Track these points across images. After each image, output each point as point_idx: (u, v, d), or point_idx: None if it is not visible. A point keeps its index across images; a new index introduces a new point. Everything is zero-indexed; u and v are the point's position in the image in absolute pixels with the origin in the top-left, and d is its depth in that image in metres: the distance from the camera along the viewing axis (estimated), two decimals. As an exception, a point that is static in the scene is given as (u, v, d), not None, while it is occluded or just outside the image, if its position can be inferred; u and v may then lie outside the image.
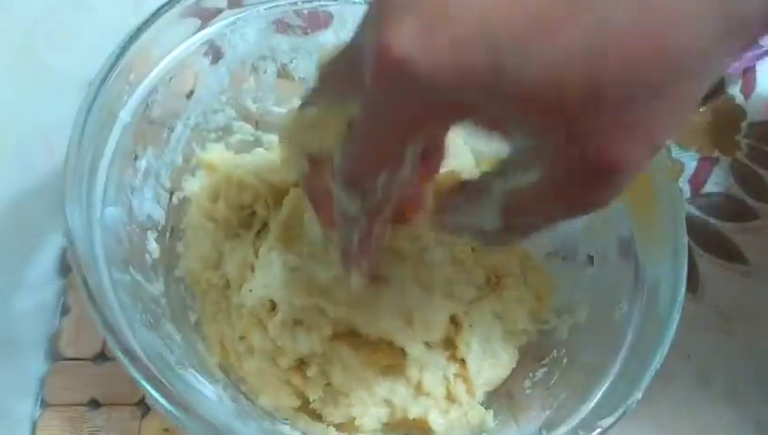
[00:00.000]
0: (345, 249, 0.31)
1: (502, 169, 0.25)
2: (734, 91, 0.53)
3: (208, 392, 0.33)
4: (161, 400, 0.27)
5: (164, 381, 0.28)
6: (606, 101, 0.21)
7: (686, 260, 0.33)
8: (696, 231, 0.47)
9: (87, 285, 0.28)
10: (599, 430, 0.31)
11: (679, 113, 0.22)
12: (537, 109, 0.21)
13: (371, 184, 0.26)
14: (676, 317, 0.32)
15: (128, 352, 0.27)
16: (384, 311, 0.35)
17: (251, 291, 0.37)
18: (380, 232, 0.30)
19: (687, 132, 0.51)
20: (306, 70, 0.42)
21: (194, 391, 0.32)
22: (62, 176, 0.30)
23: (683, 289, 0.33)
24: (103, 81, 0.33)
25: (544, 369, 0.38)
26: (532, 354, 0.39)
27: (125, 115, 0.35)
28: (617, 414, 0.30)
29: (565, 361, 0.37)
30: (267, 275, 0.36)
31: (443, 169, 0.32)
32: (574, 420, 0.32)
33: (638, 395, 0.31)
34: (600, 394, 0.33)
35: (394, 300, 0.36)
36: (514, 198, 0.25)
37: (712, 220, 0.48)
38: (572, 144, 0.22)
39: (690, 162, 0.50)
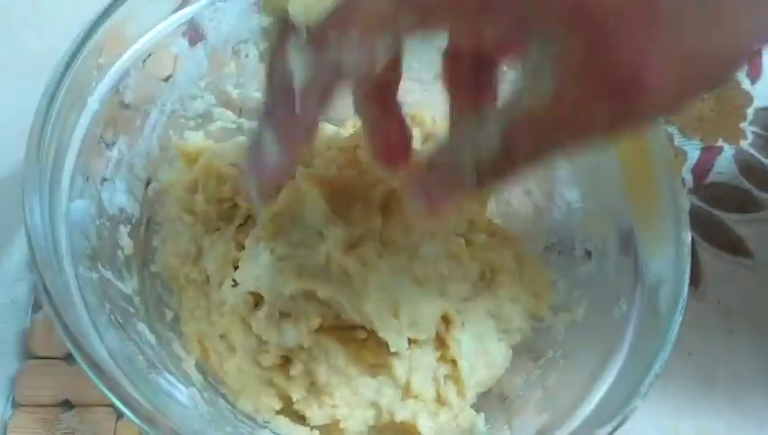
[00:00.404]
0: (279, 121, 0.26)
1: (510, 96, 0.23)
2: (740, 75, 0.51)
3: (181, 396, 0.31)
4: (126, 410, 0.25)
5: (131, 388, 0.26)
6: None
7: (689, 259, 0.32)
8: (699, 223, 0.46)
9: (45, 286, 0.26)
10: (595, 438, 0.29)
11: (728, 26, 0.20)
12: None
13: (340, 42, 0.23)
14: (679, 319, 0.30)
15: (91, 360, 0.25)
16: (369, 297, 0.33)
17: (236, 284, 0.35)
18: (311, 122, 0.26)
19: (690, 120, 0.49)
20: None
21: (165, 397, 0.30)
22: (22, 168, 0.28)
23: (685, 290, 0.31)
24: (69, 63, 0.31)
25: (540, 370, 0.36)
26: (527, 354, 0.38)
27: (94, 100, 0.33)
28: (614, 423, 0.29)
29: (562, 362, 0.36)
30: (255, 267, 0.34)
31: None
32: (570, 426, 0.31)
33: (638, 402, 0.29)
34: (598, 398, 0.31)
35: (382, 288, 0.34)
36: (520, 118, 0.22)
37: (715, 211, 0.47)
38: (598, 48, 0.19)
39: (693, 151, 0.49)
